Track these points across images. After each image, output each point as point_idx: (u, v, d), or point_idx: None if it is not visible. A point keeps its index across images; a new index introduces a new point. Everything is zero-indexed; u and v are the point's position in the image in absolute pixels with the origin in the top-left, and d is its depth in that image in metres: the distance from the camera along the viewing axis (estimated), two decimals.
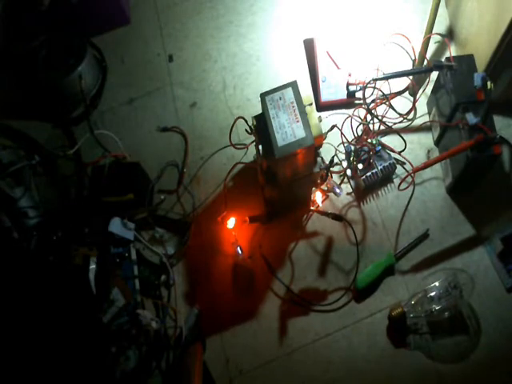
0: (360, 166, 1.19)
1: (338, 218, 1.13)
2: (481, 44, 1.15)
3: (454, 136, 1.10)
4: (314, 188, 1.15)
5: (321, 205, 1.18)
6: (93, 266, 1.07)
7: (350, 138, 1.24)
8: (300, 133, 0.93)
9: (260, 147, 1.01)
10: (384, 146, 1.21)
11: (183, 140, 1.31)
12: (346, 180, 1.23)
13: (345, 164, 1.23)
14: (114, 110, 1.37)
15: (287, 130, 0.93)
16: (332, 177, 1.20)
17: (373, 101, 1.26)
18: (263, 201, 1.19)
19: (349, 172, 1.23)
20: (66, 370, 1.03)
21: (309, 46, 1.36)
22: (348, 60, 1.30)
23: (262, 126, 0.97)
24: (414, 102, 1.26)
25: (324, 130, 1.02)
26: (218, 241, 1.20)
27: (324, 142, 1.04)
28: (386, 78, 1.20)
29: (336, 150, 1.24)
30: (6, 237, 1.13)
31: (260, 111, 0.98)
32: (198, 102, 1.35)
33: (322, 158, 1.05)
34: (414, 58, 1.29)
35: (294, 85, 0.97)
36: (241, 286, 1.17)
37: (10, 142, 1.24)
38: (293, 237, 1.20)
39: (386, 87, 1.27)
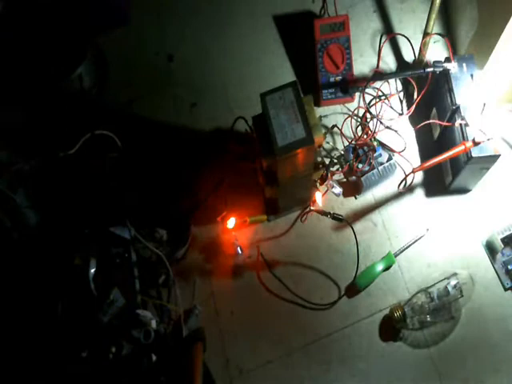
0: (360, 166, 1.19)
1: (337, 217, 1.13)
2: (481, 44, 1.15)
3: (453, 136, 1.10)
4: (313, 188, 1.15)
5: (320, 204, 1.18)
6: (93, 266, 1.07)
7: (350, 137, 1.24)
8: (300, 133, 0.93)
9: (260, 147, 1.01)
10: (384, 146, 1.21)
11: (183, 140, 1.31)
12: (345, 180, 1.23)
13: (344, 164, 1.23)
14: (114, 110, 1.37)
15: (287, 129, 0.93)
16: (332, 177, 1.20)
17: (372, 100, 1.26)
18: (263, 201, 1.19)
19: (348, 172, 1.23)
20: (65, 369, 1.03)
21: (309, 45, 1.36)
22: (348, 60, 1.29)
23: (262, 126, 0.97)
24: (414, 101, 1.26)
25: (324, 130, 1.02)
26: (218, 241, 1.20)
27: (324, 141, 1.04)
28: (386, 78, 1.20)
29: (336, 150, 1.24)
30: (5, 237, 1.13)
31: (260, 111, 0.98)
32: (198, 102, 1.35)
33: (322, 158, 1.05)
34: (413, 58, 1.29)
35: (294, 85, 0.96)
36: (240, 285, 1.17)
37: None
38: (292, 237, 1.20)
39: (386, 87, 1.27)
